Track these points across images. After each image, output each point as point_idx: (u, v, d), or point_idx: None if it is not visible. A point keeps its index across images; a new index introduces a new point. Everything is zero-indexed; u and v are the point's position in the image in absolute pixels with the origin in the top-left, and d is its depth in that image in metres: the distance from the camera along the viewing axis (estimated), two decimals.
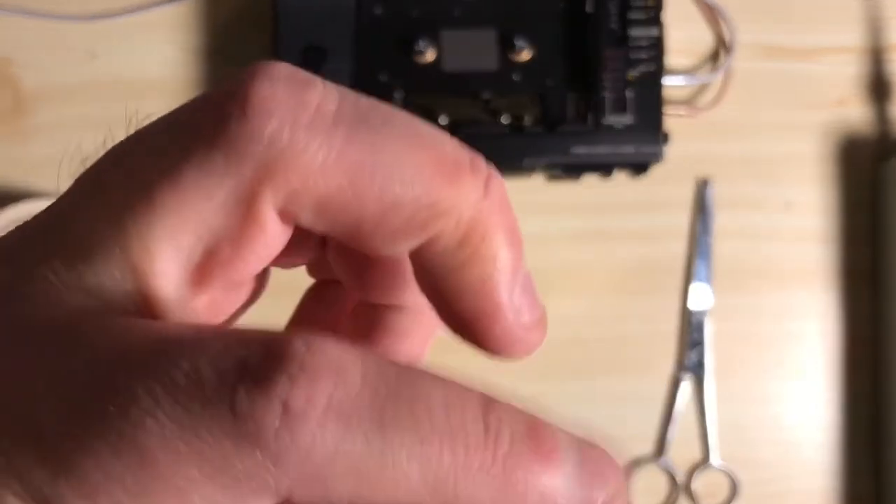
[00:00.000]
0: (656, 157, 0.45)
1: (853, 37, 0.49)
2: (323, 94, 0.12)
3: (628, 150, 0.45)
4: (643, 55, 0.45)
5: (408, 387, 0.11)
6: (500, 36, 0.46)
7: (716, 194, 0.48)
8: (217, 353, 0.11)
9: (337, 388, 0.11)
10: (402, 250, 0.13)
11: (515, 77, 0.46)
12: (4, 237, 0.13)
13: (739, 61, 0.48)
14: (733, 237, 0.48)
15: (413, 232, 0.13)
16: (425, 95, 0.46)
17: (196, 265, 0.12)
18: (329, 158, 0.12)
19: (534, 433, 0.12)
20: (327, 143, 0.12)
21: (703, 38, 0.49)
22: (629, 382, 0.47)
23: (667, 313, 0.48)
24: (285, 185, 0.12)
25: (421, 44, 0.45)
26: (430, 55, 0.46)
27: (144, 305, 0.12)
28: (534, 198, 0.48)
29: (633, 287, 0.48)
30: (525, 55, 0.46)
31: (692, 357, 0.47)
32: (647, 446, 0.48)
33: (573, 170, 0.46)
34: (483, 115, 0.46)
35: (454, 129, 0.45)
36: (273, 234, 0.12)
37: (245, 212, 0.12)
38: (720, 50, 0.49)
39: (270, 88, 0.12)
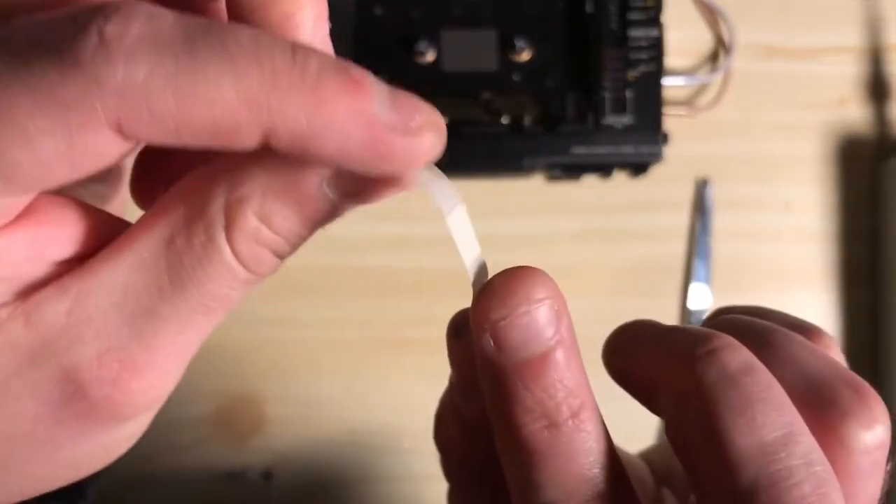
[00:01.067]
0: (656, 157, 0.45)
1: (852, 37, 0.49)
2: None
3: (628, 150, 0.45)
4: (643, 55, 0.45)
5: (217, 27, 0.12)
6: (501, 36, 0.46)
7: (715, 194, 0.48)
8: (51, 15, 0.12)
9: (149, 23, 0.12)
10: None
11: (515, 77, 0.46)
12: None
13: (739, 61, 0.49)
14: (733, 237, 0.48)
15: None
16: (425, 96, 0.46)
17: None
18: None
19: (342, 67, 0.12)
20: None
21: (703, 39, 0.49)
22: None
23: (666, 313, 0.48)
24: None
25: (421, 44, 0.45)
26: (430, 55, 0.46)
27: None
28: (534, 198, 0.48)
29: (632, 287, 0.48)
30: (525, 55, 0.46)
31: None
32: (645, 445, 0.48)
33: (573, 170, 0.46)
34: (483, 116, 0.46)
35: (454, 130, 0.45)
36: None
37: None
38: (720, 50, 0.49)
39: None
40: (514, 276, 0.16)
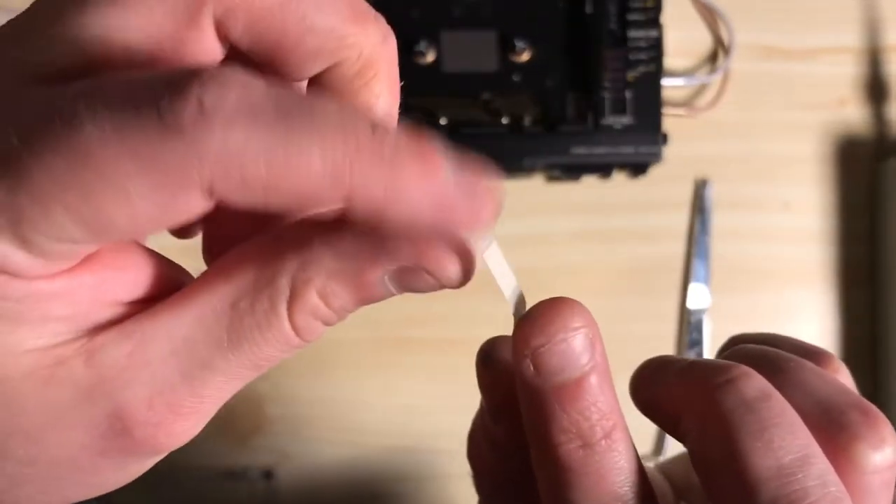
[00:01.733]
0: (655, 157, 0.45)
1: (851, 37, 0.49)
2: None
3: (627, 150, 0.45)
4: (642, 56, 0.46)
5: (307, 100, 0.13)
6: (500, 37, 0.46)
7: (714, 194, 0.48)
8: (143, 77, 0.13)
9: (244, 92, 0.13)
10: (311, 71, 0.15)
11: (515, 78, 0.46)
12: None
13: (738, 62, 0.49)
14: (732, 237, 0.48)
15: (324, 55, 0.15)
16: (425, 96, 0.46)
17: (139, 62, 0.14)
18: None
19: (416, 142, 0.14)
20: None
21: (702, 39, 0.50)
22: (628, 382, 0.47)
23: (666, 313, 0.48)
24: (225, 1, 0.14)
25: (421, 44, 0.45)
26: (430, 56, 0.46)
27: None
28: (534, 198, 0.48)
29: (632, 287, 0.48)
30: (525, 56, 0.46)
31: (691, 356, 0.47)
32: (646, 446, 0.48)
33: (573, 170, 0.46)
34: (483, 116, 0.46)
35: (454, 130, 0.45)
36: (208, 44, 0.15)
37: (190, 15, 0.14)
38: (719, 51, 0.49)
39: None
40: (553, 306, 0.17)
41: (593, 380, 0.17)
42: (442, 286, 0.16)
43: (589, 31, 0.46)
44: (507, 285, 0.18)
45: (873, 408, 0.18)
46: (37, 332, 0.14)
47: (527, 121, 0.46)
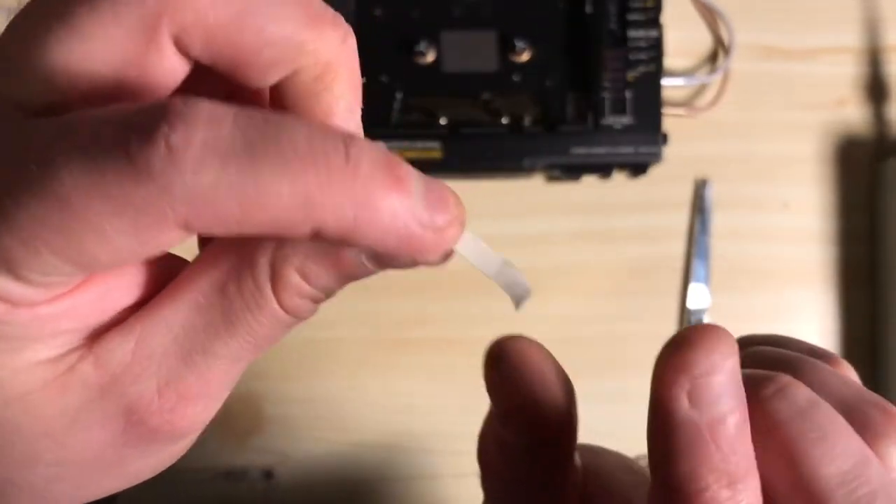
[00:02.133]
0: (655, 157, 0.45)
1: (851, 37, 0.49)
2: None
3: (627, 150, 0.45)
4: (642, 56, 0.46)
5: (274, 127, 0.13)
6: (500, 37, 0.46)
7: (714, 194, 0.48)
8: (111, 117, 0.13)
9: (211, 130, 0.13)
10: (271, 80, 0.16)
11: (515, 78, 0.46)
12: None
13: (738, 62, 0.49)
14: (732, 237, 0.48)
15: (283, 64, 0.15)
16: (425, 96, 0.46)
17: (105, 88, 0.15)
18: None
19: (388, 163, 0.14)
20: None
21: (702, 39, 0.50)
22: (628, 382, 0.47)
23: (665, 313, 0.48)
24: (181, 18, 0.14)
25: (421, 45, 0.45)
26: (430, 56, 0.46)
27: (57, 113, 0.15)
28: (534, 198, 0.48)
29: (632, 287, 0.48)
30: (525, 56, 0.46)
31: None
32: (645, 446, 0.48)
33: (573, 170, 0.46)
34: (483, 116, 0.46)
35: (454, 130, 0.45)
36: (170, 62, 0.15)
37: (147, 38, 0.14)
38: (719, 51, 0.49)
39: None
40: (711, 333, 0.16)
41: (743, 416, 0.16)
42: (418, 264, 0.16)
43: (589, 31, 0.46)
44: (490, 266, 0.17)
45: (889, 403, 0.18)
46: (46, 345, 0.15)
47: (527, 121, 0.46)
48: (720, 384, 0.15)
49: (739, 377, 0.16)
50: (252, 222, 0.13)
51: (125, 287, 0.16)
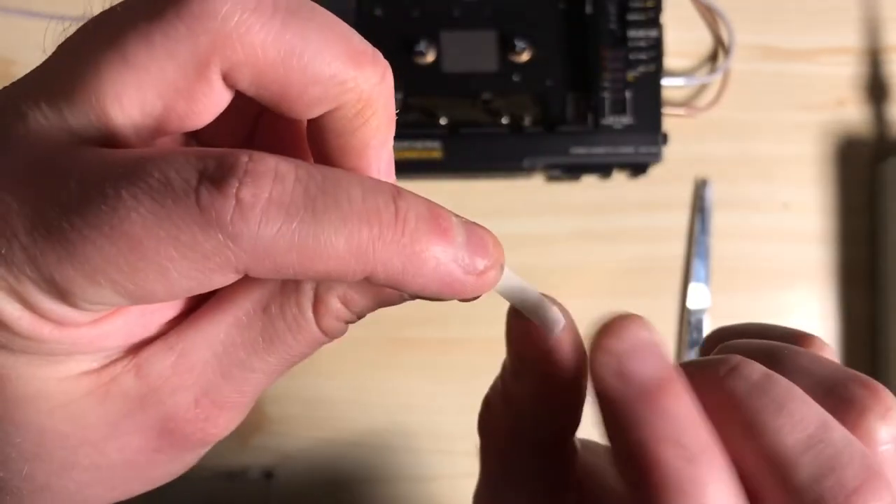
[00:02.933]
0: (655, 157, 0.45)
1: (851, 38, 0.49)
2: None
3: (627, 150, 0.45)
4: (642, 56, 0.46)
5: (332, 183, 0.14)
6: (500, 37, 0.46)
7: (714, 194, 0.49)
8: (181, 164, 0.14)
9: (275, 186, 0.14)
10: (314, 115, 0.16)
11: (515, 78, 0.46)
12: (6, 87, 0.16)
13: (738, 62, 0.49)
14: (732, 237, 0.49)
15: (327, 101, 0.16)
16: (425, 96, 0.46)
17: (155, 117, 0.15)
18: (268, 38, 0.15)
19: (433, 214, 0.15)
20: (268, 25, 0.15)
21: (702, 40, 0.50)
22: None
23: (666, 313, 0.48)
24: (232, 56, 0.15)
25: (421, 45, 0.45)
26: (430, 56, 0.46)
27: (111, 144, 0.15)
28: (534, 198, 0.48)
29: (632, 287, 0.48)
30: (525, 56, 0.46)
31: (691, 356, 0.47)
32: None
33: (573, 170, 0.46)
34: (483, 116, 0.46)
35: (454, 130, 0.45)
36: (217, 94, 0.16)
37: (198, 72, 0.15)
38: (719, 51, 0.49)
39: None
40: (626, 317, 0.18)
41: (676, 385, 0.17)
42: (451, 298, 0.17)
43: (589, 31, 0.46)
44: (526, 301, 0.18)
45: (872, 380, 0.18)
46: (89, 358, 0.16)
47: (527, 121, 0.46)
48: (642, 359, 0.17)
49: (661, 353, 0.17)
50: (308, 271, 0.14)
51: (166, 304, 0.17)
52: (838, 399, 0.18)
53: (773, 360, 0.18)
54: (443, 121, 0.46)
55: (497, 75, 0.46)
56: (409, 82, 0.46)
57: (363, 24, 0.46)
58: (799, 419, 0.16)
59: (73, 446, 0.16)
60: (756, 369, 0.17)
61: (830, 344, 0.48)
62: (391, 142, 0.18)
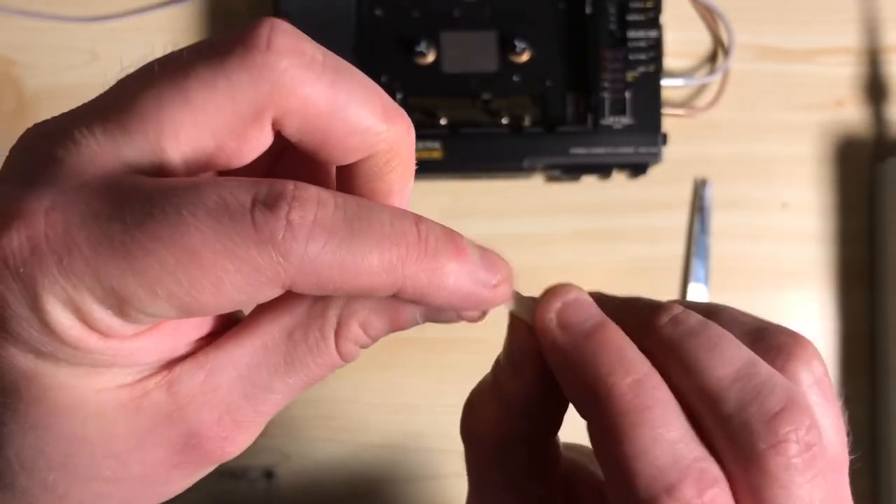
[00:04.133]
0: (655, 157, 0.46)
1: (850, 38, 0.49)
2: (314, 48, 0.17)
3: (627, 150, 0.45)
4: (642, 56, 0.46)
5: (365, 209, 0.16)
6: (500, 37, 0.46)
7: (714, 195, 0.49)
8: (235, 189, 0.16)
9: (319, 211, 0.16)
10: (350, 161, 0.18)
11: (515, 78, 0.46)
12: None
13: (737, 62, 0.49)
14: (731, 237, 0.49)
15: (362, 149, 0.18)
16: (425, 96, 0.46)
17: (207, 153, 0.17)
18: (316, 92, 0.17)
19: (449, 237, 0.17)
20: (317, 81, 0.17)
21: (701, 40, 0.50)
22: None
23: None
24: (286, 104, 0.17)
25: (421, 45, 0.46)
26: (430, 56, 0.46)
27: (159, 175, 0.17)
28: (533, 198, 0.49)
29: (631, 287, 0.48)
30: (525, 56, 0.46)
31: None
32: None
33: (572, 170, 0.47)
34: (483, 116, 0.46)
35: (454, 130, 0.46)
36: (266, 137, 0.17)
37: (255, 116, 0.17)
38: (718, 51, 0.49)
39: (282, 35, 0.17)
40: (553, 286, 0.21)
41: (610, 325, 0.20)
42: (461, 321, 0.19)
43: (588, 31, 0.46)
44: (527, 308, 0.21)
45: (797, 332, 0.20)
46: (124, 371, 0.17)
47: (526, 121, 0.46)
48: (577, 310, 0.20)
49: (593, 304, 0.20)
50: (346, 286, 0.16)
51: (197, 323, 0.18)
52: (767, 346, 0.20)
53: (709, 313, 0.21)
54: (443, 121, 0.46)
55: (497, 75, 0.46)
56: (409, 82, 0.46)
57: (363, 24, 0.46)
58: (729, 357, 0.19)
59: (99, 457, 0.17)
60: (693, 316, 0.20)
61: (830, 344, 0.49)
62: (410, 187, 0.20)
